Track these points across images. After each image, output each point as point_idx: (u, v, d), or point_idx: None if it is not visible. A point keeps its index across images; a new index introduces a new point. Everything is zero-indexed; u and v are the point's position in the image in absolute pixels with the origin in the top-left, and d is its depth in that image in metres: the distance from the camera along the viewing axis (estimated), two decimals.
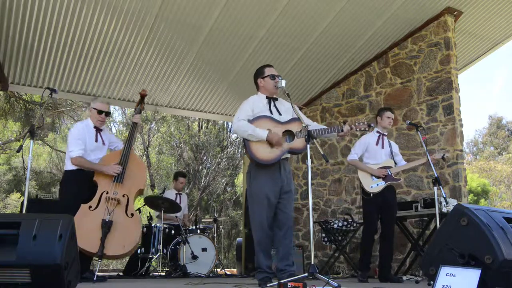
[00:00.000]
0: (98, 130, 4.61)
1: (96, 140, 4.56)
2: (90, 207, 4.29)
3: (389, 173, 5.00)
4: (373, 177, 5.00)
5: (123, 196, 4.43)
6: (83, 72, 6.96)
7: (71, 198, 4.34)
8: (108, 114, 4.66)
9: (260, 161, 3.71)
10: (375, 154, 5.10)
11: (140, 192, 4.78)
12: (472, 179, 17.07)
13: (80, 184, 4.40)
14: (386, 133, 5.24)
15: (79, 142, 4.41)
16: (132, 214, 4.42)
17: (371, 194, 4.94)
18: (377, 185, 4.96)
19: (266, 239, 3.75)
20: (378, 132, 5.19)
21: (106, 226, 4.17)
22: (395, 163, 5.13)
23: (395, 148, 5.30)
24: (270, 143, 3.70)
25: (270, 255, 3.81)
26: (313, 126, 3.90)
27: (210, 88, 7.80)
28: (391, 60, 7.22)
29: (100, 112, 4.59)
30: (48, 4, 5.66)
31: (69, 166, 4.44)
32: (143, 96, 4.99)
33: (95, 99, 4.80)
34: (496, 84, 52.23)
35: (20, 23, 5.86)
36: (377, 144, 5.11)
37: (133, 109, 5.56)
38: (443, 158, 5.12)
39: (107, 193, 4.37)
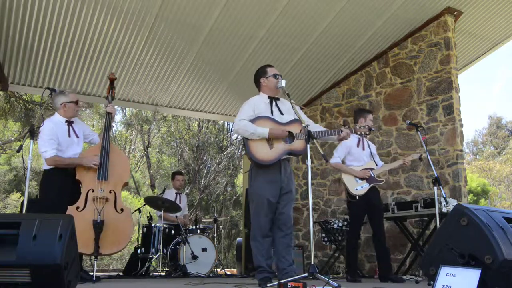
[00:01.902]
0: (69, 123, 4.41)
1: (69, 135, 4.37)
2: (77, 208, 4.16)
3: (372, 175, 5.02)
4: (357, 179, 5.02)
5: (110, 192, 4.28)
6: (83, 72, 6.96)
7: (54, 197, 4.19)
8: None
9: (259, 161, 3.72)
10: (357, 156, 5.10)
11: (126, 184, 4.62)
12: (472, 179, 17.06)
13: (63, 181, 4.26)
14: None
15: (51, 141, 4.23)
16: (122, 210, 4.29)
17: (357, 197, 4.95)
18: (362, 187, 4.99)
19: (266, 239, 3.75)
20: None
21: (99, 227, 4.05)
22: (376, 165, 5.16)
23: (373, 148, 5.31)
24: (275, 137, 3.71)
25: (270, 255, 3.81)
26: (313, 127, 3.90)
27: (210, 88, 7.80)
28: (391, 60, 7.22)
29: (76, 103, 4.47)
30: (48, 4, 5.66)
31: (47, 166, 4.29)
32: (112, 80, 4.64)
33: (60, 93, 4.45)
34: (496, 84, 52.26)
35: (20, 23, 5.86)
36: (358, 146, 5.12)
37: (134, 109, 5.48)
38: (420, 158, 5.14)
39: (92, 191, 4.22)
